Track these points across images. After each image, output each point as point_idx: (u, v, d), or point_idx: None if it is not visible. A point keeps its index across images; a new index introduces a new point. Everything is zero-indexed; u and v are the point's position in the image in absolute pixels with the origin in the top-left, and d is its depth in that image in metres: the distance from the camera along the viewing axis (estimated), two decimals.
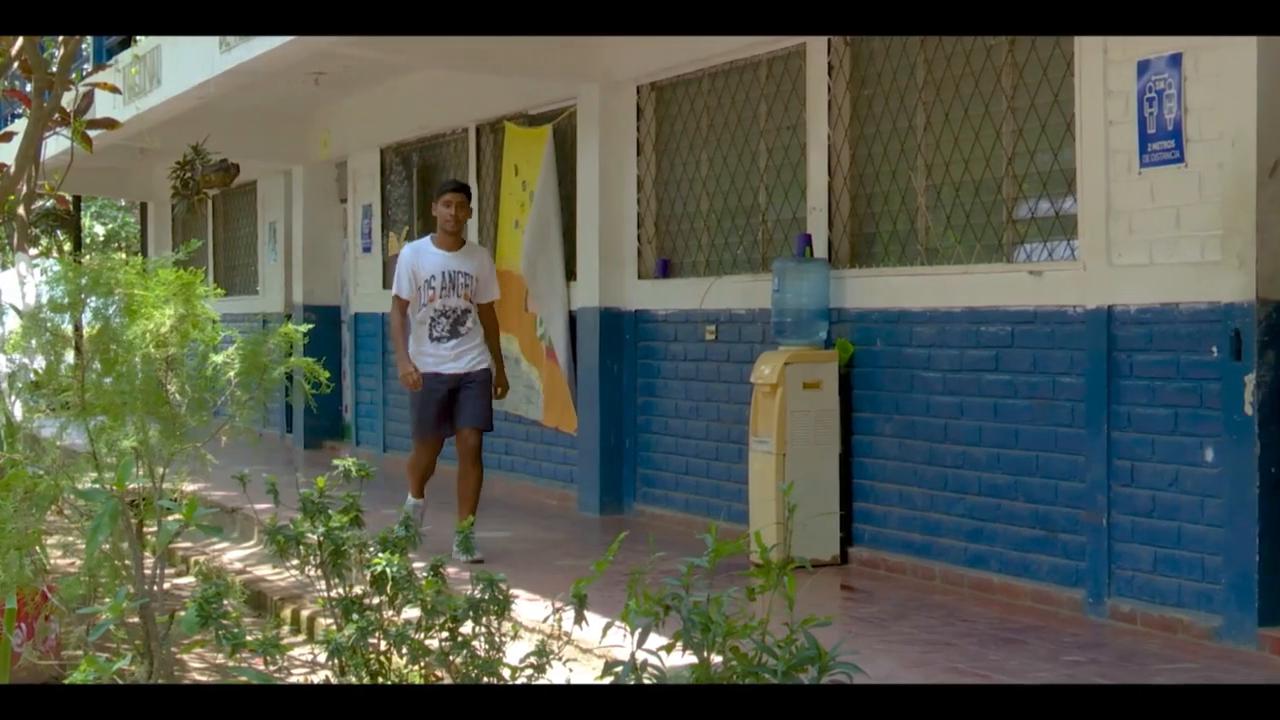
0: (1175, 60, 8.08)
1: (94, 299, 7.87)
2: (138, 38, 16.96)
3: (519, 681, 5.83)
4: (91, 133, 10.07)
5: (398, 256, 11.14)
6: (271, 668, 5.98)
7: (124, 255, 9.92)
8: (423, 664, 5.92)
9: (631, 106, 12.84)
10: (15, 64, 10.17)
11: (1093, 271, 8.59)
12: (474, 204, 13.18)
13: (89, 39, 17.24)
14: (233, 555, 11.34)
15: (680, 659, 5.21)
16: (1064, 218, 8.95)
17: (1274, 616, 7.70)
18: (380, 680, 5.86)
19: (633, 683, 5.11)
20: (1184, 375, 8.10)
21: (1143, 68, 8.25)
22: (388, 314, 17.24)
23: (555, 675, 5.77)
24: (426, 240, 11.04)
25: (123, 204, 32.90)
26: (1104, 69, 8.50)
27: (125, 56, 17.33)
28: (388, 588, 5.98)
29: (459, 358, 10.74)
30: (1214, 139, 7.93)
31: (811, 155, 10.82)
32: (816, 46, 10.69)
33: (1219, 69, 7.88)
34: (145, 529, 8.01)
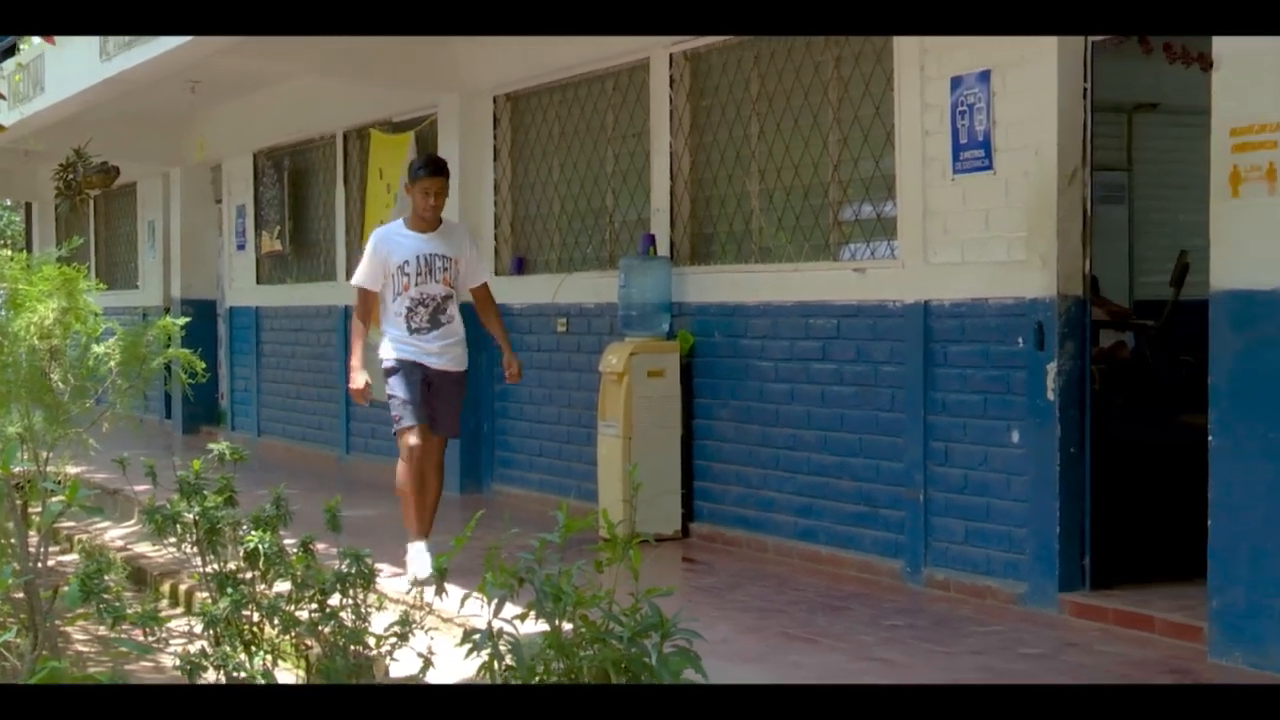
0: (985, 76, 8.19)
1: None
2: (21, 45, 16.71)
3: (384, 649, 5.82)
4: None
5: (368, 241, 9.37)
6: (150, 638, 5.93)
7: (9, 252, 9.72)
8: (293, 634, 5.90)
9: (488, 115, 12.80)
10: None
11: (911, 269, 8.68)
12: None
13: None
14: (114, 534, 11.19)
15: (534, 627, 5.22)
16: (885, 220, 9.04)
17: (1072, 583, 7.84)
18: (253, 649, 5.82)
19: (489, 650, 5.12)
20: (993, 364, 8.20)
21: (955, 83, 8.35)
22: (260, 308, 17.24)
23: (417, 643, 5.76)
24: (398, 223, 9.36)
25: (8, 203, 32.28)
26: (921, 84, 8.58)
27: (9, 64, 17.09)
28: (260, 563, 5.95)
29: (442, 353, 9.17)
30: (1019, 149, 8.03)
31: (655, 161, 10.85)
32: (659, 60, 10.72)
33: (1024, 86, 7.99)
34: (30, 510, 7.90)
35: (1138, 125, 11.02)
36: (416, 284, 9.04)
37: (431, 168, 9.14)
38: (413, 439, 9.00)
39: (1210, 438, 6.84)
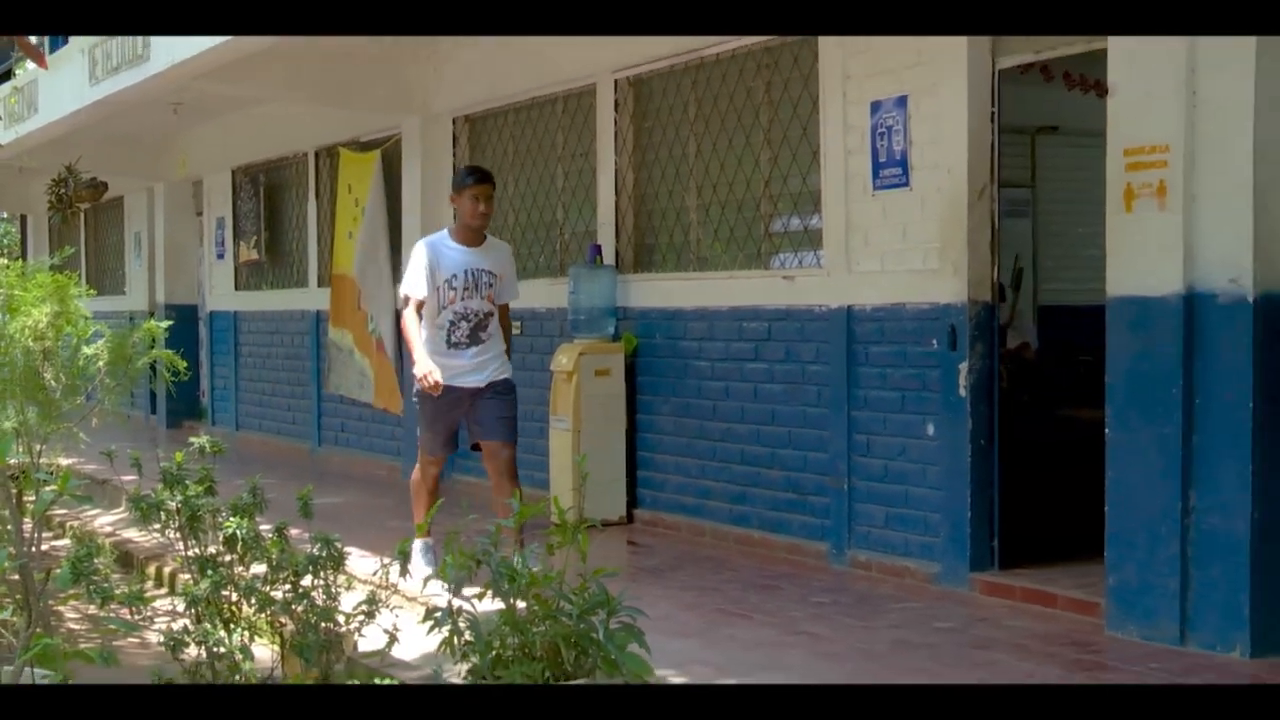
0: (902, 101, 8.21)
1: None
2: (16, 70, 16.59)
3: (353, 626, 5.80)
4: None
5: (414, 248, 8.41)
6: (137, 617, 5.89)
7: (5, 261, 9.63)
8: (269, 612, 5.85)
9: (448, 135, 12.76)
10: None
11: (835, 277, 8.70)
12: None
13: None
14: (103, 520, 11.09)
15: (490, 605, 5.21)
16: (811, 232, 9.05)
17: (982, 563, 7.87)
18: (231, 626, 5.78)
19: (450, 627, 5.10)
20: (910, 364, 8.22)
21: (875, 107, 8.37)
22: (238, 312, 17.14)
23: (384, 620, 5.74)
24: (444, 235, 8.45)
25: (4, 216, 31.99)
26: (844, 108, 8.60)
27: (5, 88, 17.01)
28: (238, 547, 5.90)
29: (479, 369, 8.26)
30: (933, 167, 8.06)
31: (601, 178, 10.83)
32: (605, 84, 10.71)
33: (937, 110, 8.01)
34: (24, 498, 7.82)
35: (1040, 146, 11.07)
36: (463, 298, 8.20)
37: (479, 174, 8.41)
38: (431, 467, 8.40)
39: (1107, 430, 6.89)
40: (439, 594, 5.25)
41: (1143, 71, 6.70)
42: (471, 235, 8.31)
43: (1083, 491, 7.31)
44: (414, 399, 8.54)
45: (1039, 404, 9.18)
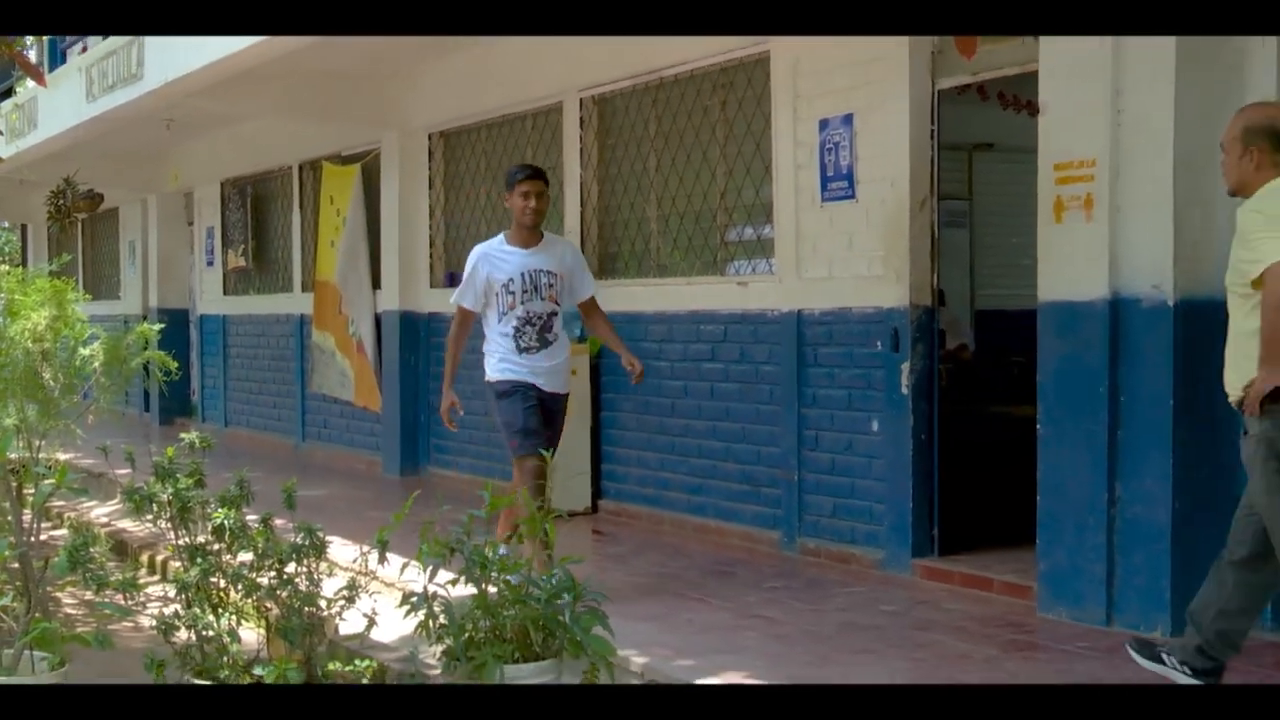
0: (848, 119, 8.22)
1: None
2: (17, 88, 16.48)
3: (334, 610, 5.78)
4: None
5: (469, 259, 7.67)
6: (130, 602, 5.86)
7: (6, 267, 9.56)
8: (255, 597, 5.82)
9: (424, 150, 12.73)
10: None
11: (786, 283, 8.70)
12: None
13: None
14: (99, 512, 11.03)
15: (463, 590, 5.20)
16: (764, 241, 9.05)
17: (923, 550, 7.88)
18: (219, 611, 5.75)
19: (425, 611, 5.09)
20: (856, 364, 8.23)
21: (823, 124, 8.37)
22: (227, 316, 17.06)
23: (363, 605, 5.72)
24: (498, 239, 7.65)
25: (5, 225, 31.77)
26: (794, 125, 8.60)
27: (6, 105, 16.93)
28: (226, 536, 5.87)
29: (552, 373, 7.50)
30: (877, 181, 8.07)
31: (567, 190, 10.81)
32: (571, 102, 10.69)
33: (881, 127, 8.02)
34: (24, 491, 7.77)
35: (976, 161, 11.10)
36: (522, 302, 7.46)
37: (529, 170, 7.65)
38: (530, 464, 7.14)
39: (1039, 427, 6.91)
40: (415, 580, 5.24)
41: (1071, 91, 6.72)
42: (527, 235, 7.56)
43: (1016, 483, 7.32)
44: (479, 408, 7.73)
45: (976, 402, 9.20)
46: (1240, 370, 5.16)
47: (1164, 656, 5.42)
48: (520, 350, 7.44)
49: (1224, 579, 5.32)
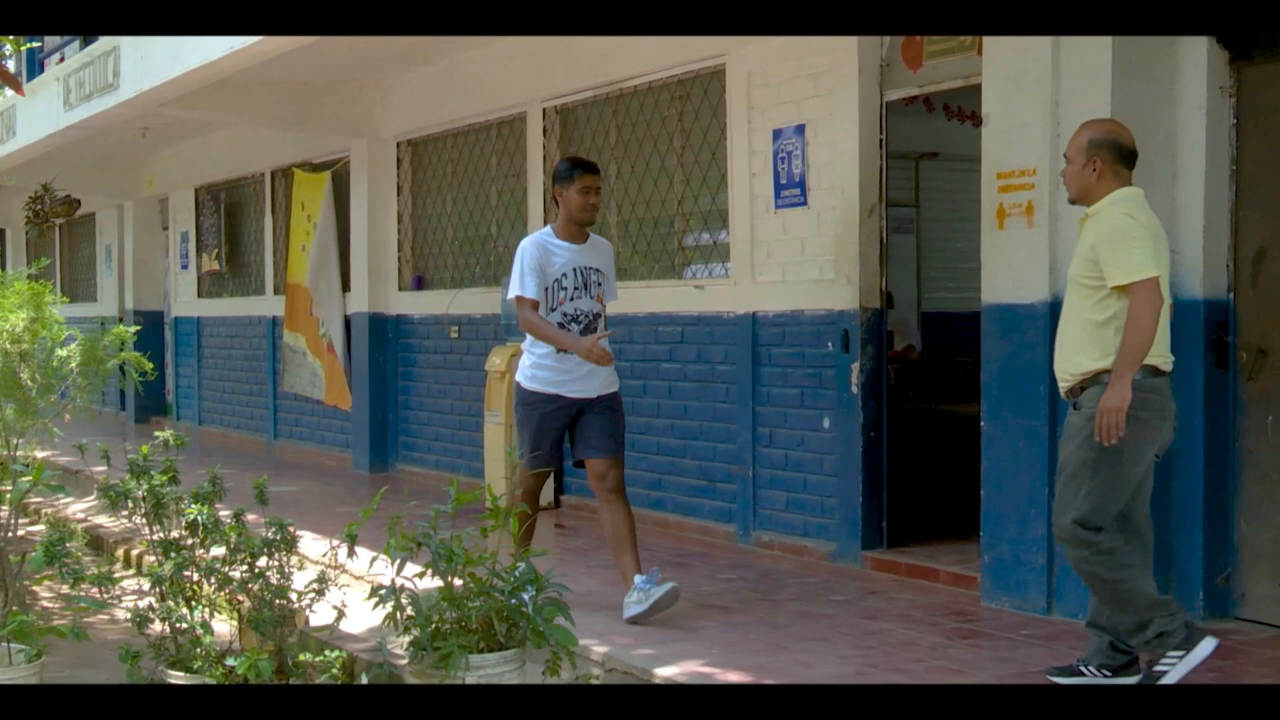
0: (800, 129, 8.24)
1: None
2: None
3: (305, 603, 5.76)
4: None
5: (519, 250, 6.94)
6: (106, 595, 5.84)
7: None
8: (227, 591, 5.80)
9: (392, 157, 12.70)
10: None
11: (741, 286, 8.72)
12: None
13: None
14: (75, 508, 10.96)
15: (430, 583, 5.20)
16: (720, 246, 9.08)
17: (873, 542, 7.92)
18: (193, 604, 5.73)
19: (393, 603, 5.08)
20: (808, 364, 8.26)
21: (777, 134, 8.40)
22: (201, 318, 16.97)
23: (333, 597, 5.71)
24: (547, 232, 6.99)
25: None
26: (749, 135, 8.63)
27: None
28: (199, 531, 5.84)
29: (590, 376, 6.85)
30: (828, 188, 8.10)
31: (531, 197, 10.81)
32: (535, 112, 10.69)
33: (832, 137, 8.05)
34: (2, 488, 7.73)
35: (923, 170, 11.16)
36: (573, 299, 6.88)
37: (587, 165, 7.02)
38: (531, 480, 6.95)
39: (983, 424, 6.95)
40: (383, 573, 5.23)
41: (1012, 103, 6.77)
42: (577, 231, 6.95)
43: (962, 478, 7.38)
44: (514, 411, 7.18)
45: (923, 400, 9.26)
46: (1072, 359, 5.30)
47: (1082, 669, 5.44)
48: (558, 350, 6.81)
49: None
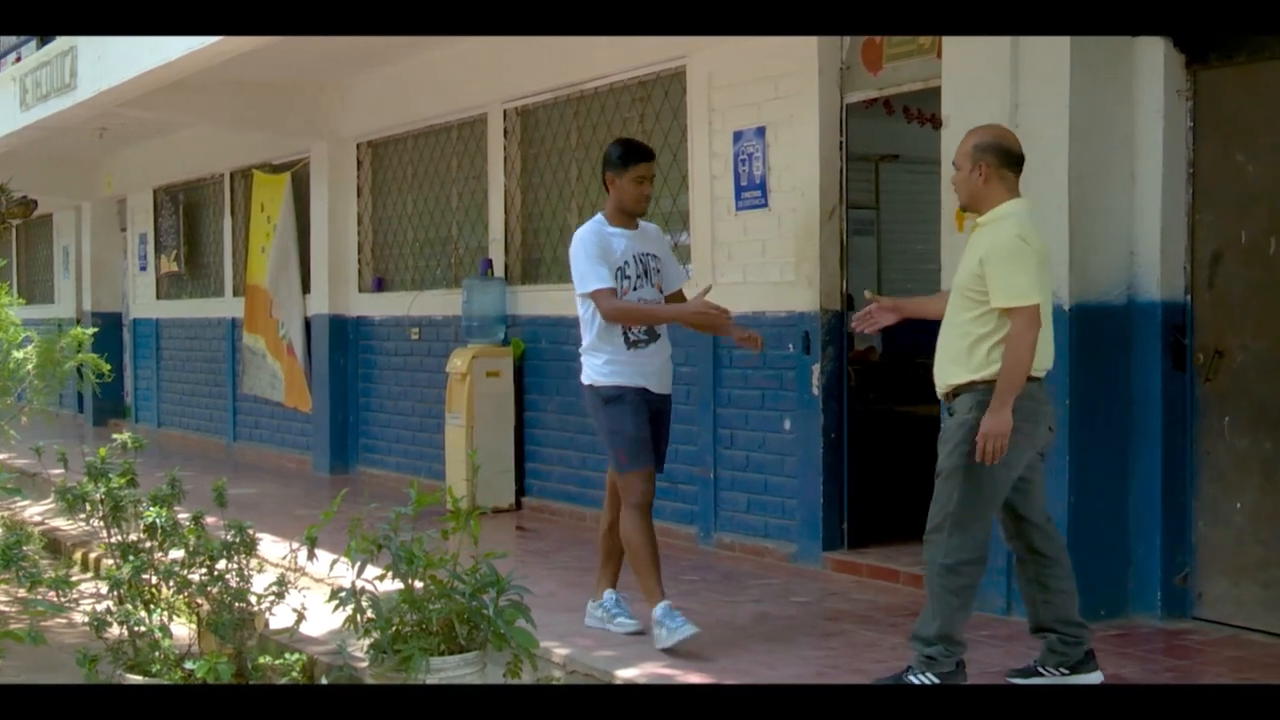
0: (761, 131, 8.25)
1: None
2: None
3: (264, 605, 5.73)
4: None
5: (577, 241, 6.37)
6: (63, 599, 5.80)
7: None
8: (186, 594, 5.76)
9: (353, 159, 12.66)
10: None
11: (702, 288, 8.70)
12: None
13: None
14: (33, 510, 10.86)
15: (391, 585, 5.17)
16: (681, 247, 9.06)
17: (833, 543, 7.93)
18: (151, 607, 5.69)
19: (353, 605, 5.05)
20: (769, 366, 8.26)
21: (737, 136, 8.40)
22: (160, 319, 16.85)
23: (292, 600, 5.68)
24: (598, 221, 6.43)
25: None
26: (710, 137, 8.63)
27: None
28: (157, 534, 5.81)
29: (661, 372, 6.42)
30: (789, 190, 8.11)
31: (492, 198, 10.79)
32: (495, 114, 10.67)
33: (792, 139, 8.06)
34: None
35: (883, 172, 11.16)
36: (635, 289, 6.35)
37: (644, 151, 6.54)
38: (643, 483, 6.27)
39: (942, 424, 6.95)
40: (343, 575, 5.20)
41: (972, 106, 6.78)
42: (629, 219, 6.44)
43: (922, 479, 7.35)
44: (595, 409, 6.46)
45: (884, 402, 9.26)
46: (946, 369, 5.34)
47: (1040, 670, 5.47)
48: (630, 344, 6.29)
49: (1030, 575, 5.46)
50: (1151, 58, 6.48)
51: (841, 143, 7.97)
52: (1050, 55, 6.44)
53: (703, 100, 8.66)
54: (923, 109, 8.40)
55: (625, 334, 6.28)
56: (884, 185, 11.22)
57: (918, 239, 10.62)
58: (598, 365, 6.35)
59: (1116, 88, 6.52)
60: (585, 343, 6.40)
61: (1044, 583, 5.42)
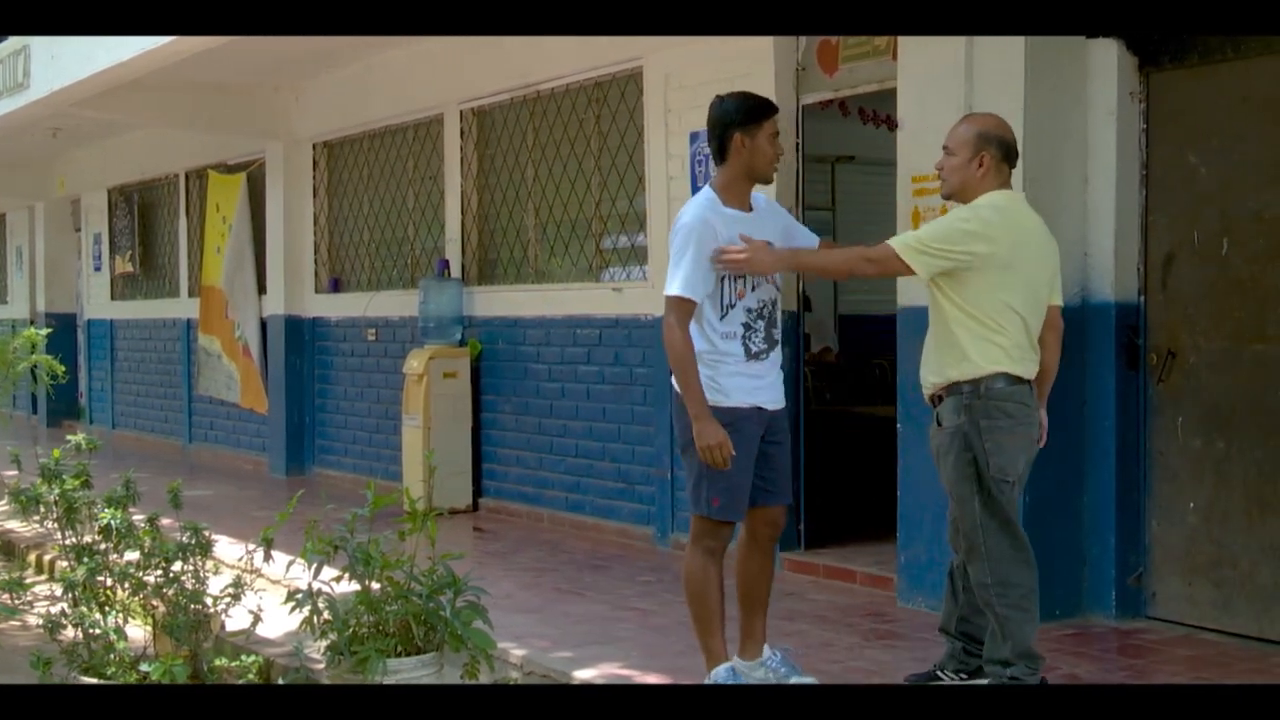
0: None
1: None
2: None
3: (220, 607, 5.69)
4: None
5: (680, 227, 5.09)
6: (17, 601, 5.75)
7: None
8: (141, 596, 5.73)
9: (309, 159, 12.59)
10: None
11: (659, 289, 8.54)
12: None
13: None
14: None
15: (347, 586, 5.14)
16: (637, 248, 9.06)
17: (790, 544, 7.89)
18: (106, 609, 5.63)
19: (310, 607, 5.02)
20: None
21: (694, 137, 8.39)
22: (114, 320, 16.73)
23: (249, 602, 5.64)
24: (712, 200, 5.12)
25: None
26: (666, 138, 8.62)
27: None
28: (112, 536, 5.77)
29: (778, 384, 5.22)
30: None
31: (448, 199, 10.75)
32: (451, 115, 10.63)
33: None
34: None
35: (839, 173, 11.22)
36: (754, 288, 5.11)
37: (771, 105, 5.26)
38: (726, 532, 5.21)
39: (899, 426, 6.97)
40: (300, 577, 5.16)
41: (927, 107, 6.80)
42: (745, 196, 5.19)
43: (878, 480, 7.40)
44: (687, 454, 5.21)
45: (840, 403, 9.30)
46: (930, 370, 5.27)
47: (939, 674, 5.39)
48: (751, 356, 5.10)
49: (958, 585, 5.33)
50: (1104, 60, 6.52)
51: (797, 144, 7.97)
52: (1004, 57, 6.46)
53: (659, 101, 8.65)
54: (878, 110, 8.43)
55: (747, 342, 5.10)
56: (840, 186, 11.27)
57: (874, 239, 10.64)
58: (723, 376, 5.08)
59: (1070, 89, 6.55)
60: (701, 344, 5.07)
61: (975, 604, 5.20)
